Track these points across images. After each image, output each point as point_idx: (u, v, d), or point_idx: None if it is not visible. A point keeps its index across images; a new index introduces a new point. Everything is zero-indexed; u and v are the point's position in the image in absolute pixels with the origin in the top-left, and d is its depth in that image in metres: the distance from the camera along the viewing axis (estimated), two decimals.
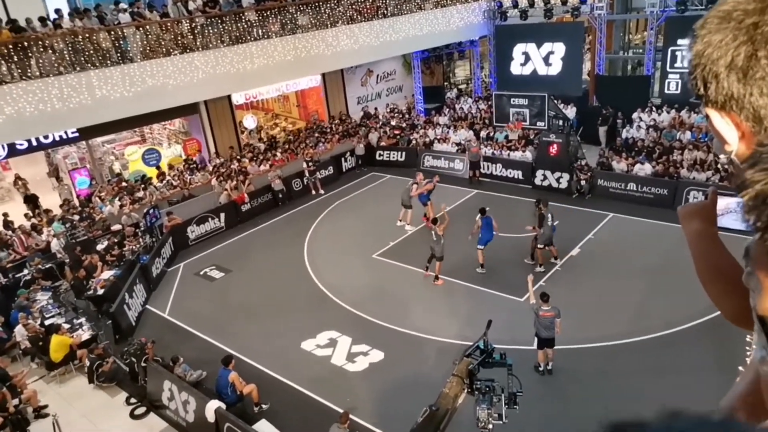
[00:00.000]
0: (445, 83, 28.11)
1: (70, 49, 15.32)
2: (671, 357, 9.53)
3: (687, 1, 18.53)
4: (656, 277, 11.86)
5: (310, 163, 19.19)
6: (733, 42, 0.66)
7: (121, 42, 16.27)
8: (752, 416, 0.96)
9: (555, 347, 9.51)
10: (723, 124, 0.71)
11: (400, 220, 15.84)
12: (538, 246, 12.74)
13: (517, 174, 18.32)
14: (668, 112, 19.21)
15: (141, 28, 16.60)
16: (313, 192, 19.19)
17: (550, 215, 12.64)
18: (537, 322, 9.33)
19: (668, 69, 19.39)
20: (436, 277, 12.84)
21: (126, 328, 12.06)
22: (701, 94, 0.72)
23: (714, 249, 0.70)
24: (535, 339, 9.48)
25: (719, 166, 15.25)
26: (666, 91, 19.67)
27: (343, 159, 20.91)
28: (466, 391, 4.21)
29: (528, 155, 18.54)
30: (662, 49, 19.84)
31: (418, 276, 13.22)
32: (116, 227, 15.84)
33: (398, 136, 22.15)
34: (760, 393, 0.66)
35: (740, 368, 5.12)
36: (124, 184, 18.36)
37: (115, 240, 15.28)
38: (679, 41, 18.94)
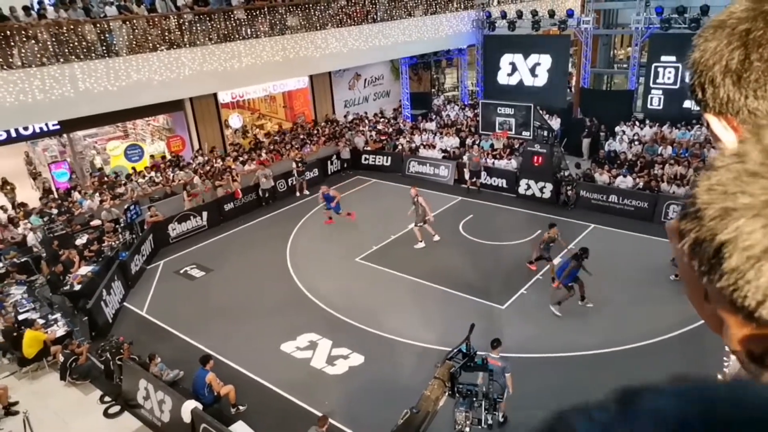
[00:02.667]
0: (433, 90, 28.26)
1: (53, 40, 15.08)
2: (650, 366, 9.65)
3: (671, 19, 18.91)
4: (634, 288, 12.03)
5: (299, 164, 19.16)
6: (727, 48, 0.69)
7: (107, 35, 16.06)
8: None
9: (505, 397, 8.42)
10: (721, 128, 0.73)
11: (420, 241, 14.92)
12: None
13: (502, 183, 18.47)
14: (650, 127, 19.55)
15: (128, 22, 16.41)
16: (298, 193, 19.12)
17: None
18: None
19: (651, 85, 19.72)
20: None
21: (102, 325, 11.85)
22: (700, 99, 0.74)
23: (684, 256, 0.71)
24: None
25: None
26: (649, 106, 20.00)
27: (329, 162, 20.89)
28: (447, 394, 4.21)
29: (513, 164, 18.71)
30: (646, 65, 20.19)
31: (401, 280, 13.23)
32: (96, 222, 15.59)
33: (384, 141, 22.19)
34: None
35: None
36: (105, 179, 18.08)
37: (95, 235, 15.03)
38: (663, 58, 19.30)
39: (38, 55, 14.78)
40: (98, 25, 15.85)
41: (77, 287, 12.72)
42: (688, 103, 17.82)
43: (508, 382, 8.29)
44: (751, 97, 0.68)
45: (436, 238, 14.95)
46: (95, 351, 10.85)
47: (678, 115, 18.91)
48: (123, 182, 17.66)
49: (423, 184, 19.46)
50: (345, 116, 24.31)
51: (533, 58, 21.80)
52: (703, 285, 0.52)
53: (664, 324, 10.49)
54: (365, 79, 25.52)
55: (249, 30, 18.50)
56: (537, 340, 10.62)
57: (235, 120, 22.20)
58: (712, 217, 0.48)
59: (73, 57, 15.28)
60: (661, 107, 19.52)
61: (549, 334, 10.82)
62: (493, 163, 19.07)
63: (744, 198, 0.46)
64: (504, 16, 22.69)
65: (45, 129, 17.05)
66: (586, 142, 20.40)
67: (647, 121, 19.80)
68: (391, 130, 23.27)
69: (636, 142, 19.04)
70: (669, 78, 19.21)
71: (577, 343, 10.41)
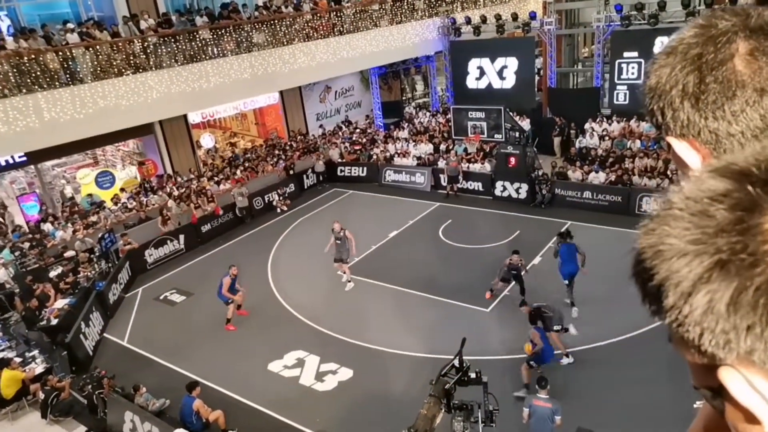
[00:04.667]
0: (403, 98, 28.43)
1: (15, 70, 14.77)
2: (636, 358, 9.77)
3: (631, 16, 19.37)
4: (614, 282, 12.16)
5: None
6: (682, 72, 0.72)
7: (70, 63, 15.81)
8: None
9: None
10: (684, 149, 0.75)
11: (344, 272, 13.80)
12: None
13: (477, 186, 18.62)
14: (618, 122, 19.94)
15: (91, 48, 16.18)
16: (279, 210, 19.02)
17: None
18: (532, 415, 7.70)
19: (616, 81, 20.14)
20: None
21: (83, 359, 11.55)
22: (660, 123, 0.77)
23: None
24: None
25: (668, 172, 15.90)
26: (615, 101, 20.41)
27: (304, 176, 20.83)
28: (443, 411, 4.21)
29: (487, 167, 18.89)
30: (609, 61, 20.63)
31: (384, 290, 13.20)
32: (70, 253, 15.24)
33: (359, 152, 22.22)
34: (720, 425, 0.70)
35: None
36: (76, 208, 17.72)
37: (69, 267, 14.69)
38: (625, 54, 19.74)
39: None
40: (60, 53, 15.59)
41: (54, 321, 12.39)
42: None
43: (556, 427, 7.58)
44: (711, 118, 0.70)
45: (350, 285, 13.43)
46: (77, 385, 10.57)
47: (658, 130, 19.31)
48: (96, 210, 17.32)
49: (400, 192, 19.56)
50: (320, 128, 24.28)
51: (500, 61, 22.12)
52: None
53: (645, 315, 10.56)
54: (336, 92, 25.56)
55: (215, 49, 18.39)
56: (523, 341, 10.66)
57: (207, 140, 22.01)
58: (650, 259, 0.53)
59: (36, 87, 14.99)
60: (627, 102, 19.92)
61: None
62: (468, 167, 19.22)
63: (671, 239, 0.51)
64: (468, 21, 22.98)
65: (11, 161, 16.67)
66: (557, 141, 20.72)
67: (614, 117, 20.19)
68: (364, 140, 23.32)
69: (605, 138, 19.39)
70: (633, 73, 19.64)
71: (564, 341, 10.48)
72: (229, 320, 12.39)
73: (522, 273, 11.78)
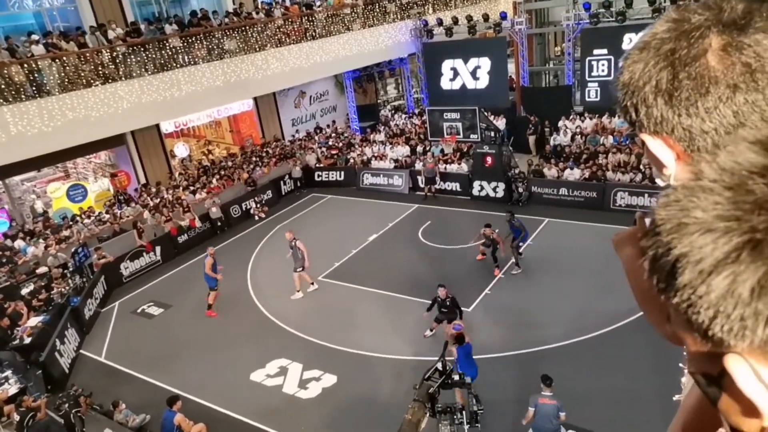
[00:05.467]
0: (379, 101, 28.45)
1: None
2: (616, 351, 9.88)
3: (599, 14, 19.68)
4: (592, 276, 12.34)
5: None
6: (655, 68, 0.70)
7: (36, 75, 15.46)
8: None
9: None
10: (658, 146, 0.74)
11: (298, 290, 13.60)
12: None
13: (455, 186, 18.69)
14: (590, 119, 20.22)
15: (57, 60, 15.84)
16: (257, 217, 18.83)
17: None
18: (537, 414, 7.68)
19: (587, 78, 20.42)
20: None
21: (59, 377, 11.27)
22: (634, 120, 0.76)
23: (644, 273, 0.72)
24: None
25: (641, 166, 16.17)
26: (587, 98, 20.69)
27: (282, 182, 20.68)
28: (428, 415, 4.19)
29: (464, 167, 18.97)
30: (580, 59, 20.92)
31: (366, 294, 13.15)
32: (42, 270, 14.87)
33: (336, 156, 22.15)
34: (702, 419, 0.67)
35: (676, 397, 5.31)
36: (48, 222, 17.31)
37: (42, 283, 14.32)
38: (595, 51, 20.04)
39: None
40: (25, 65, 15.23)
41: (28, 340, 12.05)
42: None
43: (561, 422, 7.68)
44: (684, 114, 0.69)
45: (313, 287, 13.57)
46: (53, 405, 10.29)
47: (615, 105, 19.65)
48: (69, 224, 16.94)
49: (378, 195, 19.54)
50: (293, 135, 24.17)
51: (473, 61, 22.29)
52: (665, 305, 0.52)
53: (624, 308, 10.76)
54: (310, 96, 25.46)
55: (186, 57, 18.16)
56: (506, 339, 10.73)
57: (181, 149, 21.72)
58: (668, 232, 0.48)
59: (1, 100, 14.63)
60: (598, 99, 20.22)
61: (517, 331, 10.95)
62: (445, 168, 19.29)
63: (697, 212, 0.47)
64: (440, 23, 23.10)
65: None
66: (531, 139, 20.91)
67: (587, 114, 20.46)
68: (341, 144, 23.26)
69: (579, 135, 19.64)
70: (603, 70, 19.95)
71: (545, 336, 10.57)
72: (210, 306, 13.06)
73: (499, 247, 13.10)
